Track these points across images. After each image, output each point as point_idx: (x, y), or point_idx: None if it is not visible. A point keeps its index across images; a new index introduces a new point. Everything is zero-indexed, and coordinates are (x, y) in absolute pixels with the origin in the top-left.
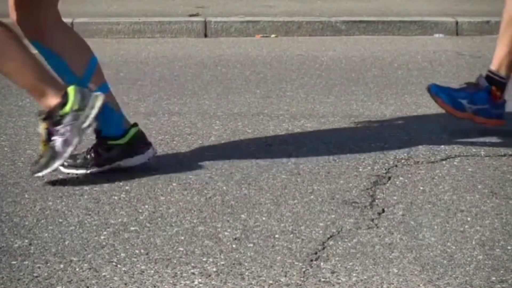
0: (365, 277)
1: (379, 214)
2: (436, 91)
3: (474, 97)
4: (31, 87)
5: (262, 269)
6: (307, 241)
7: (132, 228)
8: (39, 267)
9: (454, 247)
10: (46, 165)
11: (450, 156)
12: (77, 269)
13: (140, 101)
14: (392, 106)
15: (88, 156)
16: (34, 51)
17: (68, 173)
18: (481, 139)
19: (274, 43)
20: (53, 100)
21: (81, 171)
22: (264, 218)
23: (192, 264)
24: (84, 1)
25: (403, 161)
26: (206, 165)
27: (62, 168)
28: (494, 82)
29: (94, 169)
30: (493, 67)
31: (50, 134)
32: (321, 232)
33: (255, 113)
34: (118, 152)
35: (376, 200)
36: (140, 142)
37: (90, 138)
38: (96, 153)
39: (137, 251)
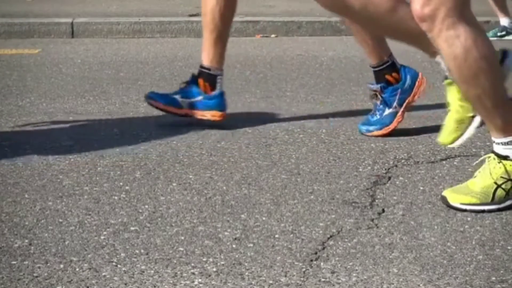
0: (365, 277)
1: (379, 214)
2: (153, 96)
3: (186, 92)
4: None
5: (262, 269)
6: (307, 241)
7: (132, 228)
8: (39, 267)
9: (454, 247)
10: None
11: (450, 156)
12: (77, 269)
13: (140, 101)
14: None
15: None
16: None
17: None
18: (481, 139)
19: (274, 43)
20: None
21: None
22: (264, 218)
23: (192, 264)
24: (84, 1)
25: (403, 161)
26: (206, 165)
27: None
28: (203, 75)
29: None
30: (205, 62)
31: None
32: (321, 232)
33: (255, 113)
34: None
35: (376, 200)
36: None
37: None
38: None
39: (137, 251)
